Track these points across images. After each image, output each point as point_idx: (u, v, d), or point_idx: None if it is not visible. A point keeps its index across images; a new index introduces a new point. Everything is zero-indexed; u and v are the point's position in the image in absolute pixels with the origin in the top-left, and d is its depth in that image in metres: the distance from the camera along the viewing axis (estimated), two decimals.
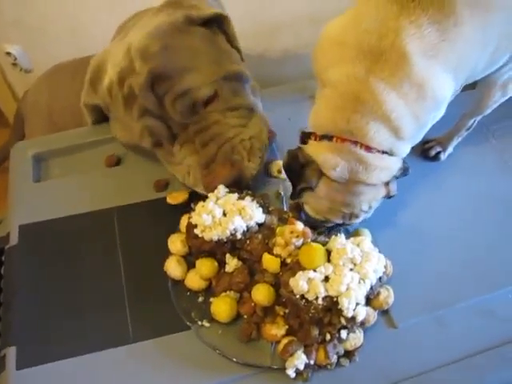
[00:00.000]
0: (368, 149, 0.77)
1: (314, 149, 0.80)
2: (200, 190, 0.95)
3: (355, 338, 0.81)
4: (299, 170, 0.80)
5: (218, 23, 1.01)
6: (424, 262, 0.92)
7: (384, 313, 0.86)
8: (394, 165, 0.81)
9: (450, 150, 1.06)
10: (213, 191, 0.90)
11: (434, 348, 0.83)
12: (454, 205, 1.00)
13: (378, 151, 0.78)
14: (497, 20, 0.76)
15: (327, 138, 0.78)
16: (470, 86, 1.06)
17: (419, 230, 0.96)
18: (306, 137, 0.82)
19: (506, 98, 0.94)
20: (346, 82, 0.75)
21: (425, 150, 1.07)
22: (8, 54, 1.77)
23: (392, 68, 0.73)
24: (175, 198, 0.96)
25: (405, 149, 0.82)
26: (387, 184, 0.82)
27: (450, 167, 1.06)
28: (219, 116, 0.94)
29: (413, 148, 1.06)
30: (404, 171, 0.83)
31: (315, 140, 0.80)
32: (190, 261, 0.89)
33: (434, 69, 0.74)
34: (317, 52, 0.82)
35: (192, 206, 0.90)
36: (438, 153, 1.06)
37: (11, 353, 0.82)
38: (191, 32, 0.95)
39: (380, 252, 0.86)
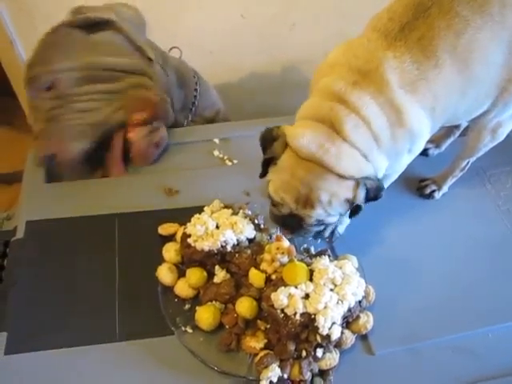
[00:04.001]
0: (345, 139, 0.78)
1: (287, 127, 0.82)
2: None
3: (331, 358, 0.83)
4: (270, 143, 0.81)
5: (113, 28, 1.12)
6: (408, 294, 0.94)
7: (363, 338, 0.88)
8: (365, 166, 0.80)
9: (444, 189, 1.09)
10: (40, 159, 1.08)
11: (408, 380, 0.84)
12: (443, 243, 1.03)
13: (355, 148, 0.78)
14: (476, 68, 0.81)
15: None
16: (462, 133, 1.11)
17: (407, 263, 0.99)
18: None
19: (496, 142, 0.97)
20: (334, 85, 0.80)
21: (420, 188, 1.10)
22: None
23: (377, 87, 0.78)
24: (166, 229, 1.00)
25: (380, 160, 0.82)
26: (356, 187, 0.79)
27: (443, 206, 1.09)
28: (61, 102, 1.07)
29: (408, 185, 1.11)
30: (377, 188, 0.81)
31: None
32: (182, 270, 0.93)
33: (411, 103, 0.79)
34: (314, 73, 0.88)
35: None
36: (433, 191, 1.09)
37: (1, 338, 0.86)
38: (63, 33, 1.08)
39: (365, 279, 0.89)
